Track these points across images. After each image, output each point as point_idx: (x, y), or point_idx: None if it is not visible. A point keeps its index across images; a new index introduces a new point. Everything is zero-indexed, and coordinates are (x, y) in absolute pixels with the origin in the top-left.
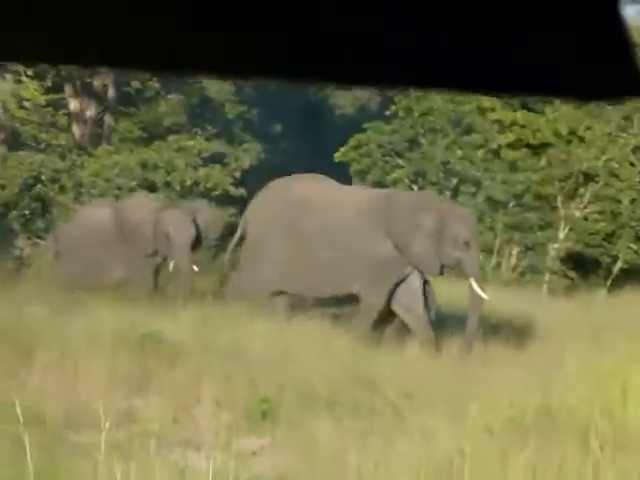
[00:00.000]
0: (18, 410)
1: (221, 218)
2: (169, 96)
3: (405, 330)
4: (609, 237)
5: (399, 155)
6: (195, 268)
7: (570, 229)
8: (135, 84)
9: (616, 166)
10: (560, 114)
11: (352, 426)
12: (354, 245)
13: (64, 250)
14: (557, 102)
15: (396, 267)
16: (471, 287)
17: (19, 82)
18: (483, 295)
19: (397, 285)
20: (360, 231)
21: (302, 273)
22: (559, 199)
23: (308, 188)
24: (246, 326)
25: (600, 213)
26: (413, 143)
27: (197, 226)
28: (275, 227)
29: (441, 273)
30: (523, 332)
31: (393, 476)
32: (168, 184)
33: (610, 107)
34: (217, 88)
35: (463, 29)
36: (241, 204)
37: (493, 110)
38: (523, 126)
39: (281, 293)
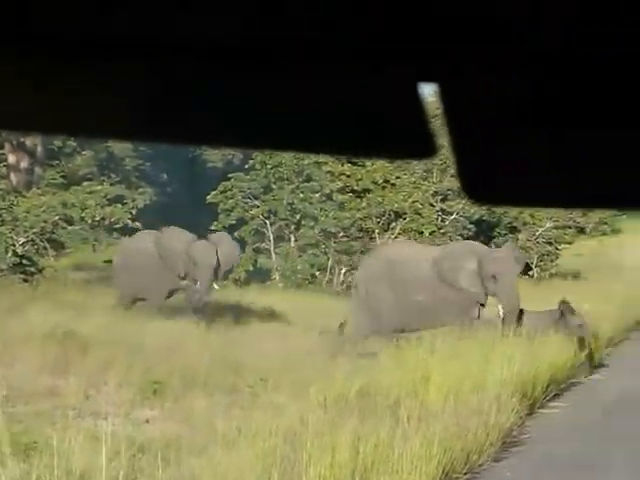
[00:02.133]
0: None
1: (237, 249)
2: (83, 152)
3: None
4: None
5: (256, 197)
6: (216, 287)
7: None
8: (57, 143)
9: (420, 206)
10: (377, 167)
11: (220, 401)
12: (435, 290)
13: (120, 270)
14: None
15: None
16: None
17: None
18: (501, 314)
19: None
20: (433, 279)
21: (410, 314)
22: (376, 231)
23: (398, 250)
24: (145, 327)
25: None
26: (267, 188)
27: (217, 255)
28: (381, 283)
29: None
30: None
31: (250, 439)
32: (82, 218)
33: (415, 162)
34: (119, 146)
35: (304, 107)
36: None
37: (326, 164)
38: (349, 176)
39: (402, 331)
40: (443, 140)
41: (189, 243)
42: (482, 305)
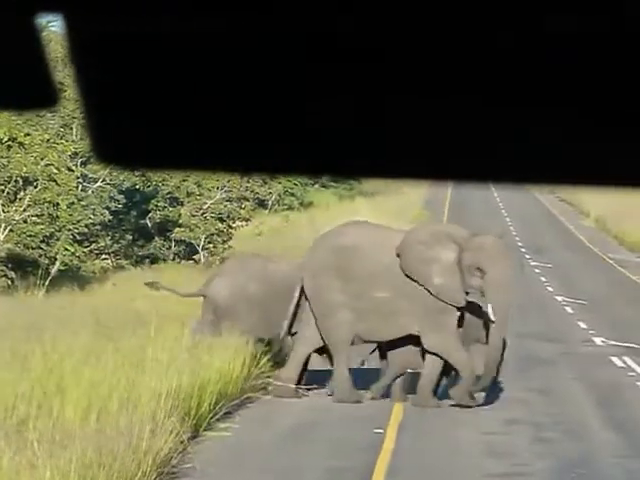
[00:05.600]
0: None
1: None
2: None
3: None
4: (48, 239)
5: None
6: None
7: (10, 231)
8: None
9: (55, 171)
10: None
11: None
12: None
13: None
14: None
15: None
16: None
17: None
18: (492, 317)
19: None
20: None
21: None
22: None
23: (356, 234)
24: None
25: (39, 216)
26: None
27: None
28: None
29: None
30: None
31: None
32: None
33: (50, 115)
34: None
35: None
36: None
37: None
38: None
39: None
40: (72, 86)
41: None
42: (459, 309)
